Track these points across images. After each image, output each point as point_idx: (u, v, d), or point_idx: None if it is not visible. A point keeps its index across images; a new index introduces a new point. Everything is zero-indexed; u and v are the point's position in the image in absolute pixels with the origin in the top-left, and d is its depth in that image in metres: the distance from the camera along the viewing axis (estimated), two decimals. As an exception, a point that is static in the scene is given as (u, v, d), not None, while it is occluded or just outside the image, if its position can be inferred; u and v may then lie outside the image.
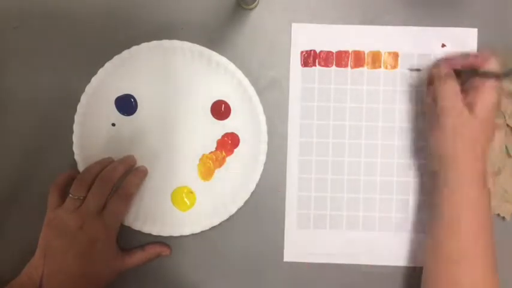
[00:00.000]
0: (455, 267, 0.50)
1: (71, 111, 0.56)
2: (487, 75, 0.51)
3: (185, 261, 0.58)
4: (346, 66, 0.57)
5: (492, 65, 0.51)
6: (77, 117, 0.56)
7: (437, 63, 0.54)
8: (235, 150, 0.57)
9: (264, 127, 0.57)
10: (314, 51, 0.57)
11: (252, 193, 0.57)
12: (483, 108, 0.50)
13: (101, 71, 0.56)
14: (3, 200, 0.58)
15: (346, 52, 0.57)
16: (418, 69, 0.56)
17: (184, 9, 0.57)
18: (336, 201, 0.57)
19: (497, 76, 0.50)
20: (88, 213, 0.52)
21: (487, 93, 0.50)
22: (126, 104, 0.57)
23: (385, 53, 0.57)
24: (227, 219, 0.57)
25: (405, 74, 0.57)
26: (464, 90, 0.52)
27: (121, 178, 0.55)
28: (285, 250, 0.57)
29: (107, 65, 0.56)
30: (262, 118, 0.57)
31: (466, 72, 0.53)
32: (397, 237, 0.57)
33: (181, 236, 0.57)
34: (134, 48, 0.56)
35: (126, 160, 0.56)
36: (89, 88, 0.56)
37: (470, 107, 0.50)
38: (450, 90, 0.51)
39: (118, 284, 0.57)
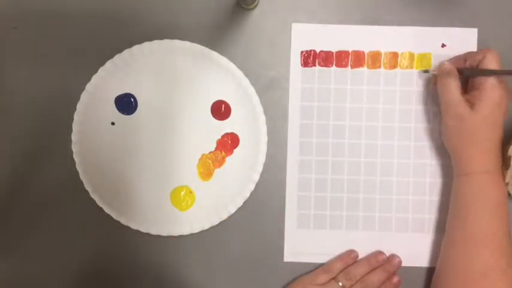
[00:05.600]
0: (462, 252, 0.52)
1: (71, 109, 0.56)
2: (486, 72, 0.51)
3: (184, 261, 0.57)
4: (346, 66, 0.57)
5: (490, 62, 0.51)
6: (76, 116, 0.56)
7: (442, 63, 0.54)
8: (235, 150, 0.57)
9: (264, 127, 0.57)
10: (314, 51, 0.57)
11: (252, 193, 0.57)
12: (484, 105, 0.51)
13: (101, 70, 0.56)
14: (3, 198, 0.57)
15: (346, 52, 0.57)
16: (426, 71, 0.56)
17: (184, 9, 0.57)
18: (336, 201, 0.57)
19: (496, 73, 0.51)
20: None
21: (489, 90, 0.51)
22: (126, 104, 0.57)
23: (385, 53, 0.57)
24: (227, 219, 0.57)
25: (404, 74, 0.57)
26: (469, 89, 0.53)
27: None
28: (285, 250, 0.57)
29: (108, 64, 0.56)
30: (262, 118, 0.57)
31: (469, 72, 0.53)
32: (397, 237, 0.57)
33: (180, 236, 0.57)
34: (135, 47, 0.56)
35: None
36: (89, 87, 0.56)
37: (472, 103, 0.51)
38: (449, 85, 0.52)
39: (118, 284, 0.57)
